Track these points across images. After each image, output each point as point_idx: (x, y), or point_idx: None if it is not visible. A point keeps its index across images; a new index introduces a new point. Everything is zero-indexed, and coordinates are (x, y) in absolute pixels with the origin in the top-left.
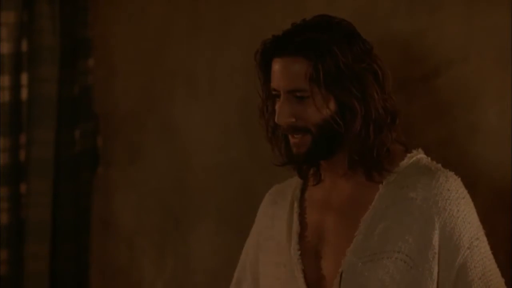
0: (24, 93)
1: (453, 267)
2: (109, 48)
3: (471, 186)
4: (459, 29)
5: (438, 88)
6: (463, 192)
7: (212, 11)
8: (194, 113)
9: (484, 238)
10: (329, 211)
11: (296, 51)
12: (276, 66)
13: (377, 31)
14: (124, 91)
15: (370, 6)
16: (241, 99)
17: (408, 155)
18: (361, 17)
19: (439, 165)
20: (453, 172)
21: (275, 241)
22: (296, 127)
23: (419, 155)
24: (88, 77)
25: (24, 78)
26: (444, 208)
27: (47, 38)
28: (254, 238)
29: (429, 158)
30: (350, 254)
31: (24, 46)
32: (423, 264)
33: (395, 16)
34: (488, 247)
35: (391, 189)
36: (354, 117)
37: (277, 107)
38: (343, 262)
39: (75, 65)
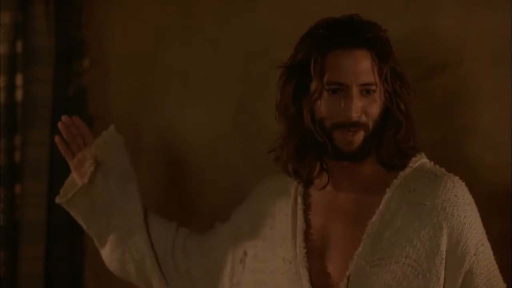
0: (19, 94)
1: (460, 273)
2: (104, 49)
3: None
4: (454, 30)
5: (433, 90)
6: (468, 197)
7: (207, 12)
8: (189, 114)
9: (488, 244)
10: (334, 214)
11: (368, 45)
12: (345, 59)
13: None
14: (119, 92)
15: (364, 7)
16: (236, 100)
17: (413, 159)
18: None
19: (443, 169)
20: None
21: (279, 234)
22: (359, 122)
23: (422, 160)
24: (82, 78)
25: (19, 79)
26: (452, 214)
27: (42, 39)
28: (246, 215)
29: (432, 163)
30: (358, 258)
31: (19, 47)
32: (431, 270)
33: (389, 18)
34: (491, 253)
35: (398, 193)
36: (398, 114)
37: (344, 101)
38: (351, 265)
39: (69, 66)
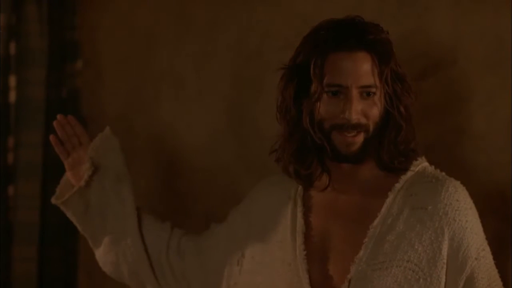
0: (12, 96)
1: (461, 278)
2: (97, 51)
3: None
4: (447, 31)
5: (426, 91)
6: (470, 202)
7: (200, 14)
8: (182, 115)
9: (488, 248)
10: (335, 216)
11: (368, 48)
12: (345, 61)
13: None
14: (112, 94)
15: (357, 8)
16: (229, 101)
17: (414, 162)
18: None
19: (444, 174)
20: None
21: (278, 236)
22: (359, 124)
23: (424, 163)
24: (76, 79)
25: (12, 80)
26: (453, 218)
27: (35, 40)
28: (244, 216)
29: (433, 167)
30: (359, 261)
31: (12, 48)
32: (432, 274)
33: (382, 18)
34: (491, 257)
35: (400, 197)
36: (399, 117)
37: (344, 103)
38: (352, 269)
39: (63, 68)
